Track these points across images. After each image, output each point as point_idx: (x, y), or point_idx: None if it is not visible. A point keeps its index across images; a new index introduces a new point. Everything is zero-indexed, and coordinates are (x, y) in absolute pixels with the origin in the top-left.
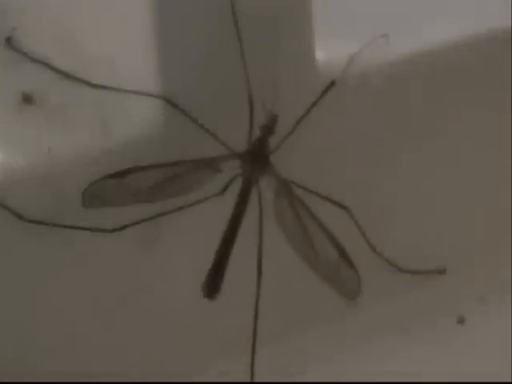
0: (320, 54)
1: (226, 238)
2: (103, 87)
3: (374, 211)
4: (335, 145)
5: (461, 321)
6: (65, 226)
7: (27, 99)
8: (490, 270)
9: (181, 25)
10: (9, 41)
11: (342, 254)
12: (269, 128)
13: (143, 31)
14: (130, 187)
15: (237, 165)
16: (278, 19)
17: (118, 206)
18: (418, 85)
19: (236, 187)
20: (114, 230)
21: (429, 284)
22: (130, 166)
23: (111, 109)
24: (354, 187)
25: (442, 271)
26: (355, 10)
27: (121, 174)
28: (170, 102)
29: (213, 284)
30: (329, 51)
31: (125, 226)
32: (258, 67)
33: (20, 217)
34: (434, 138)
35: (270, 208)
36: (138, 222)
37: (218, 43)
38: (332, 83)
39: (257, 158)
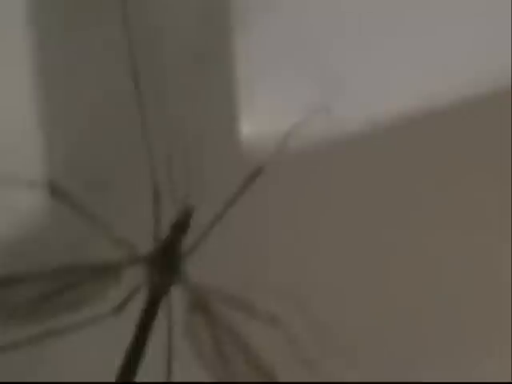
0: (246, 129)
1: (126, 365)
2: None
3: (312, 322)
4: (262, 242)
5: None
6: None
7: None
8: None
9: (70, 96)
10: None
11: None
12: (181, 224)
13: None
14: (3, 303)
15: (141, 272)
16: (192, 86)
17: None
18: (360, 174)
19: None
20: None
21: None
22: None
23: None
24: (287, 293)
25: None
26: (290, 75)
27: None
28: (56, 190)
29: None
30: (257, 126)
31: None
32: (167, 145)
33: None
34: (373, 232)
35: (183, 326)
36: (11, 347)
37: (119, 118)
38: (259, 170)
39: (166, 262)
